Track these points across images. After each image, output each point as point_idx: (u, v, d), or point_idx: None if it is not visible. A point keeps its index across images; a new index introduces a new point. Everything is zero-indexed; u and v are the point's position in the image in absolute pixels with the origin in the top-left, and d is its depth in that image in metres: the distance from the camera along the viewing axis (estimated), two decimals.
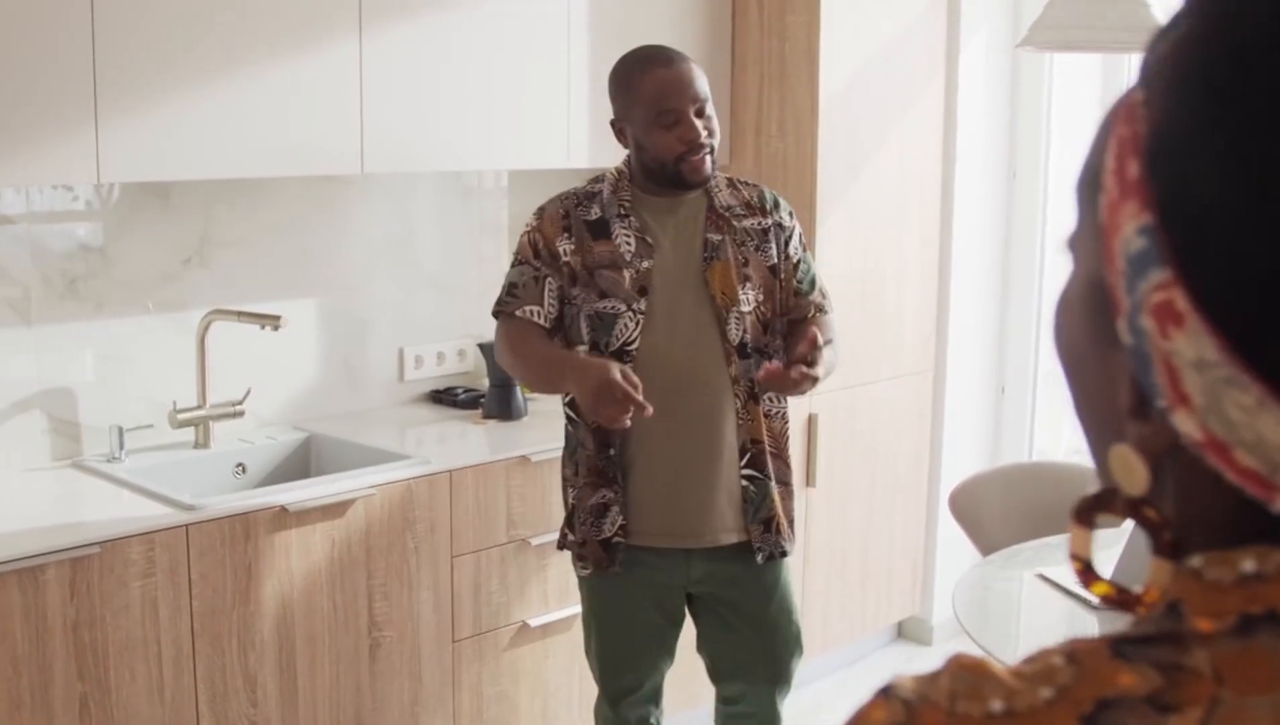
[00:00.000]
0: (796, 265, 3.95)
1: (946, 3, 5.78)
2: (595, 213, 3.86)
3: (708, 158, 3.78)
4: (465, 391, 5.22)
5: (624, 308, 3.77)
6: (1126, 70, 5.85)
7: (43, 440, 4.34)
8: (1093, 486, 0.94)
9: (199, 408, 4.52)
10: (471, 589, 4.46)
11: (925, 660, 6.00)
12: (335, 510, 4.10)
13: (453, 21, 4.57)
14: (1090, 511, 0.92)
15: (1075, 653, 0.84)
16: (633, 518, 3.84)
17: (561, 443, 4.03)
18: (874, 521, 5.81)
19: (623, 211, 3.85)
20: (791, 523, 3.98)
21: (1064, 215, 6.15)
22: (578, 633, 4.47)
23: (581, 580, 4.02)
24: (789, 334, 3.91)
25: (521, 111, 4.83)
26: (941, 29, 5.79)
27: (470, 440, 4.74)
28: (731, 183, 3.96)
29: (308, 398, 4.97)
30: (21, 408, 4.29)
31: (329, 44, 4.29)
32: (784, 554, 3.96)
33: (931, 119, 5.82)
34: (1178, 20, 0.83)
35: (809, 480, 5.43)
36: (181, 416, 4.46)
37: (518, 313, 3.85)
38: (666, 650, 4.09)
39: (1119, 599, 0.93)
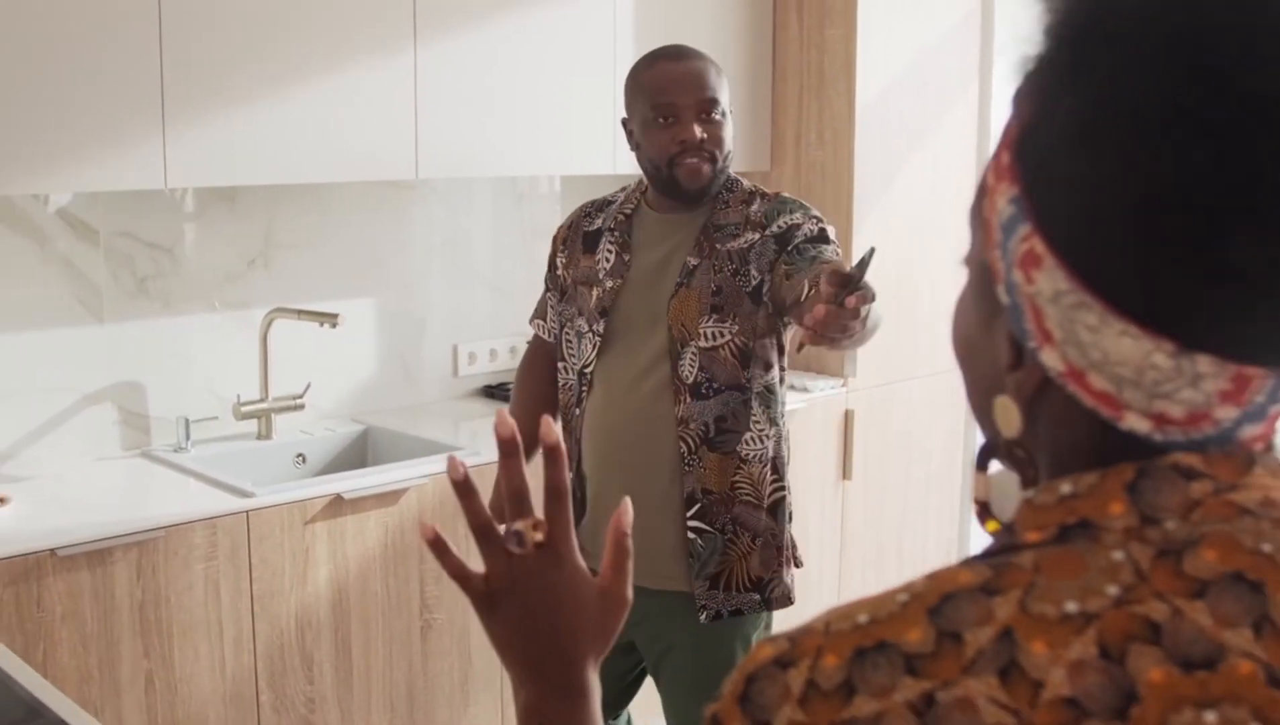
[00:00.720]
0: (791, 252, 3.30)
1: (980, 15, 5.78)
2: (597, 223, 3.55)
3: (705, 165, 3.31)
4: None
5: (586, 328, 3.46)
6: None
7: (114, 431, 4.42)
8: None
9: (261, 401, 4.59)
10: None
11: None
12: (389, 498, 4.15)
13: (503, 34, 4.61)
14: (983, 458, 1.11)
15: (934, 572, 0.98)
16: (589, 543, 3.17)
17: None
18: (909, 514, 5.80)
19: (614, 224, 3.50)
20: (765, 579, 3.41)
21: None
22: None
23: None
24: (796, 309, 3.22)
25: (570, 119, 4.86)
26: (975, 40, 5.78)
27: None
28: (750, 197, 3.43)
29: (366, 392, 5.02)
30: (94, 400, 4.36)
31: (386, 55, 4.34)
32: (736, 613, 3.39)
33: (965, 126, 5.82)
34: (1032, 57, 1.00)
35: (845, 474, 5.46)
36: (245, 409, 4.53)
37: (533, 326, 3.79)
38: (617, 671, 3.59)
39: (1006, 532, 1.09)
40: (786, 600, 3.47)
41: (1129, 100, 0.91)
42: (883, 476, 5.66)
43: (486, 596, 1.26)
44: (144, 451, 4.44)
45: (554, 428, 1.26)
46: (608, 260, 3.46)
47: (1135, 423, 0.96)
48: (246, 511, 3.86)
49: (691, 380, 3.33)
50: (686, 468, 3.34)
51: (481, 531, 1.26)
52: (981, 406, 1.10)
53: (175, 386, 4.53)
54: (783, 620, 3.51)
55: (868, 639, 0.94)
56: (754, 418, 3.36)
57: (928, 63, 5.60)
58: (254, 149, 4.10)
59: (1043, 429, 1.03)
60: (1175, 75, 0.90)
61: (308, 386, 4.71)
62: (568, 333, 3.56)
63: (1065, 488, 0.98)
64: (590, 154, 4.96)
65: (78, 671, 3.58)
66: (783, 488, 3.44)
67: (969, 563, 0.98)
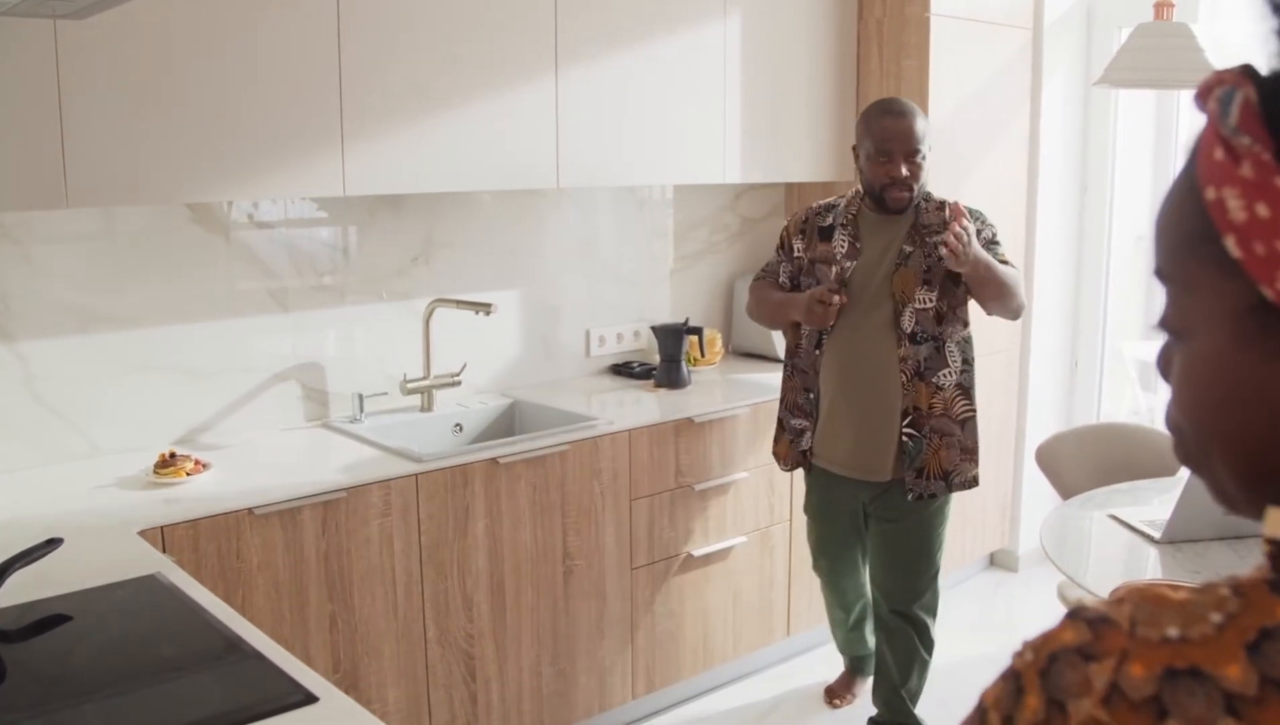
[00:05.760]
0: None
1: (1031, 49, 5.45)
2: (829, 221, 4.00)
3: (905, 193, 3.84)
4: (640, 365, 4.96)
5: None
6: (1176, 106, 5.66)
7: (297, 405, 4.13)
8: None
9: (424, 378, 4.29)
10: (646, 526, 4.18)
11: (1011, 584, 5.70)
12: (536, 462, 3.84)
13: (629, 64, 4.31)
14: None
15: (1240, 586, 0.76)
16: (818, 446, 4.04)
17: (719, 407, 4.10)
18: None
19: (844, 222, 3.97)
20: (947, 472, 3.92)
21: (1125, 221, 5.84)
22: (733, 561, 4.36)
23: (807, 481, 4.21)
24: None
25: (685, 138, 4.55)
26: (1027, 70, 5.45)
27: (644, 405, 4.43)
28: (941, 205, 3.91)
29: (512, 370, 4.72)
30: (280, 378, 4.07)
31: (531, 82, 4.04)
32: (932, 496, 3.92)
33: (1018, 142, 5.48)
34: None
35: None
36: (410, 385, 4.23)
37: (759, 280, 4.20)
38: (857, 542, 4.21)
39: None
40: (965, 486, 3.98)
41: None
42: None
43: None
44: (324, 422, 4.14)
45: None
46: (842, 247, 3.94)
47: None
48: (415, 474, 3.56)
49: (909, 331, 3.85)
50: (904, 391, 3.86)
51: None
52: (1258, 470, 0.78)
53: (350, 366, 4.23)
54: (960, 499, 4.16)
55: (1180, 659, 0.73)
56: (950, 358, 3.88)
57: (987, 89, 5.25)
58: (418, 162, 3.80)
59: None
60: None
61: (464, 366, 4.42)
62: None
63: None
64: (703, 166, 4.65)
65: (272, 614, 3.28)
66: (971, 409, 3.95)
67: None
